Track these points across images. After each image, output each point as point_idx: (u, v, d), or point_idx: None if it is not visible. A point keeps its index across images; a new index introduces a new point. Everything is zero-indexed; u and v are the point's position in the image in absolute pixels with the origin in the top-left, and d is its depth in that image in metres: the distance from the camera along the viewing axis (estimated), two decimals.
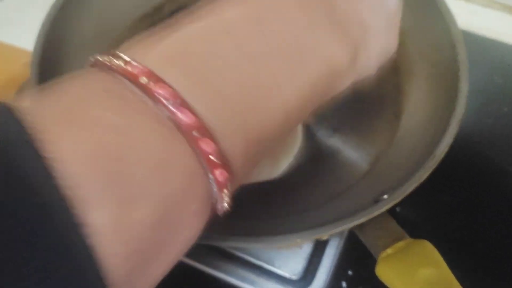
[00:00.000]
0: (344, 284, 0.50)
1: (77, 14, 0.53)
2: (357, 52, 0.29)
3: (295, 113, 0.26)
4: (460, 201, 0.52)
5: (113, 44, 0.56)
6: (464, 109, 0.44)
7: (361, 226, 0.40)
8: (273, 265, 0.50)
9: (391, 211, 0.40)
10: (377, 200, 0.42)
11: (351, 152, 0.50)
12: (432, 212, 0.52)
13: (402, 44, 0.55)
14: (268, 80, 0.24)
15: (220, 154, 0.22)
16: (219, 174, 0.22)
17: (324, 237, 0.48)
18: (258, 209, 0.46)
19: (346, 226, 0.38)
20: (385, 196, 0.42)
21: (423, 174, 0.41)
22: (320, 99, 0.29)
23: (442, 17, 0.50)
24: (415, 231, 0.42)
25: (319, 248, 0.51)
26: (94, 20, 0.55)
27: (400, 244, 0.38)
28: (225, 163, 0.22)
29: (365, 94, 0.53)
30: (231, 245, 0.40)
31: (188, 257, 0.50)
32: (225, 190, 0.23)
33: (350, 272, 0.51)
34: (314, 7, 0.26)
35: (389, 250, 0.38)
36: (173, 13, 0.59)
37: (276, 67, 0.25)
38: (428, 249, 0.37)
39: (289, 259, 0.50)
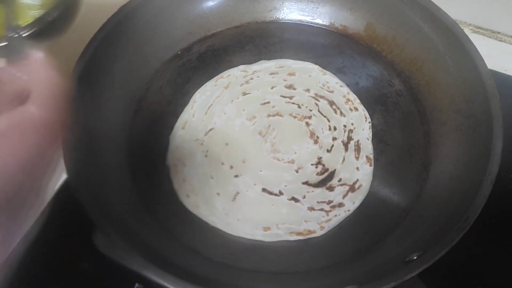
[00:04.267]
0: None
1: (107, 58, 0.53)
2: None
3: None
4: (496, 255, 0.50)
5: (142, 86, 0.57)
6: (498, 168, 0.43)
7: None
8: None
9: None
10: (407, 260, 0.41)
11: (380, 204, 0.49)
12: (464, 266, 0.51)
13: (431, 92, 0.55)
14: None
15: None
16: None
17: None
18: (283, 263, 0.46)
19: None
20: (415, 256, 0.41)
21: (455, 237, 0.40)
22: None
23: (476, 68, 0.49)
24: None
25: None
26: (123, 62, 0.55)
27: None
28: None
29: (394, 143, 0.53)
30: None
31: None
32: None
33: None
34: None
35: None
36: (201, 54, 0.61)
37: None
38: None
39: None
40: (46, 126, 0.30)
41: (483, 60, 0.49)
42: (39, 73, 0.32)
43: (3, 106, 0.29)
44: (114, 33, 0.54)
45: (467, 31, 0.53)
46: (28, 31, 0.49)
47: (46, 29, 0.51)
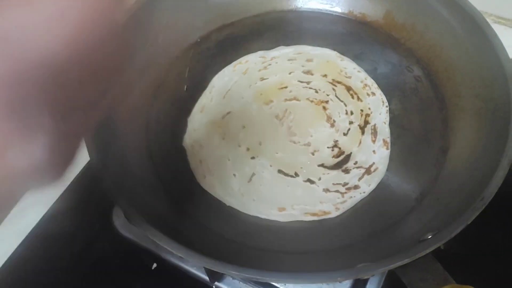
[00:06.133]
0: None
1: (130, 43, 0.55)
2: None
3: None
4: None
5: (161, 72, 0.58)
6: None
7: (404, 267, 0.39)
8: None
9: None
10: (421, 239, 0.41)
11: (397, 187, 0.49)
12: (479, 250, 0.50)
13: (450, 77, 0.55)
14: None
15: None
16: None
17: (366, 277, 0.47)
18: (297, 243, 0.46)
19: (390, 267, 0.37)
20: (430, 236, 0.40)
21: (471, 216, 0.39)
22: None
23: (495, 52, 0.49)
24: (460, 271, 0.40)
25: (359, 285, 0.50)
26: (145, 49, 0.57)
27: None
28: None
29: (411, 127, 0.53)
30: (273, 280, 0.40)
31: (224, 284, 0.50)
32: None
33: None
34: None
35: None
36: (220, 42, 0.62)
37: None
38: None
39: None
40: None
41: (502, 44, 0.49)
42: None
43: None
44: (134, 20, 0.56)
45: (488, 21, 0.52)
46: None
47: None
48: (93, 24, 0.21)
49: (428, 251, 0.38)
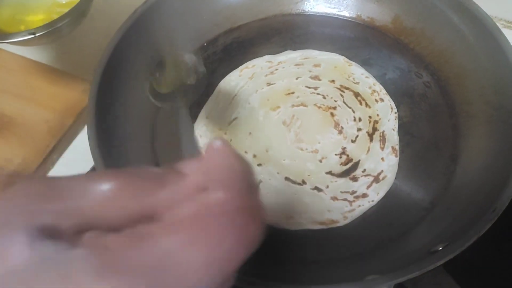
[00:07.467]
0: None
1: (132, 49, 0.54)
2: None
3: None
4: None
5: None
6: None
7: (414, 280, 0.38)
8: None
9: None
10: (432, 251, 0.40)
11: (406, 196, 0.48)
12: (492, 261, 0.49)
13: (460, 84, 0.54)
14: None
15: None
16: None
17: None
18: (305, 252, 0.45)
19: (399, 280, 0.36)
20: (440, 247, 0.40)
21: (482, 227, 0.39)
22: None
23: (506, 58, 0.48)
24: (472, 284, 0.40)
25: None
26: (149, 53, 0.56)
27: None
28: None
29: (421, 135, 0.52)
30: None
31: None
32: None
33: None
34: None
35: None
36: (226, 46, 0.61)
37: None
38: None
39: None
40: (238, 210, 0.24)
41: None
42: (219, 161, 0.26)
43: (183, 197, 0.23)
44: (140, 24, 0.55)
45: (499, 26, 0.51)
46: (39, 33, 0.53)
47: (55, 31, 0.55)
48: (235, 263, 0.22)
49: (439, 263, 0.37)
